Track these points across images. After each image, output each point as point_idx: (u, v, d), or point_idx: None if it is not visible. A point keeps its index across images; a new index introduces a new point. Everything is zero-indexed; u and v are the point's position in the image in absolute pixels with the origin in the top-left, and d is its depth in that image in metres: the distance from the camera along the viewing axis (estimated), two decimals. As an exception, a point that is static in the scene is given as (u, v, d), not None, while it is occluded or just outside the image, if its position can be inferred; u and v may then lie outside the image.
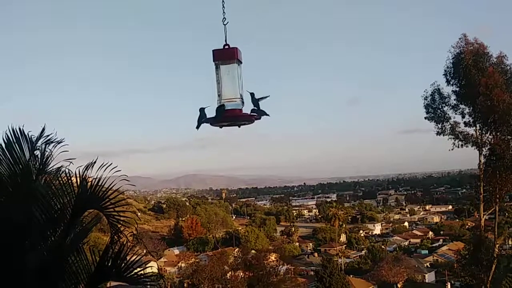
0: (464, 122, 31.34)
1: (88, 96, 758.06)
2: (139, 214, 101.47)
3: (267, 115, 3.10)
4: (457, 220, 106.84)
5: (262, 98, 3.09)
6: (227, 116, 3.02)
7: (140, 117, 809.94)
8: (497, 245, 32.61)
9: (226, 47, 3.02)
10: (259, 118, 3.08)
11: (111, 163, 4.72)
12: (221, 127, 3.05)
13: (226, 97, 3.04)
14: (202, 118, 3.00)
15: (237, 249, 58.86)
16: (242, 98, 3.07)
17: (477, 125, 31.06)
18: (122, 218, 4.82)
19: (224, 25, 3.03)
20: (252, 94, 3.08)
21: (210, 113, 3.01)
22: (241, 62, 3.07)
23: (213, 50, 3.04)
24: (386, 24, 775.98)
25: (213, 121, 3.00)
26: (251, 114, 3.06)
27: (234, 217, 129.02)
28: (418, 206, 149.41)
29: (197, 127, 3.01)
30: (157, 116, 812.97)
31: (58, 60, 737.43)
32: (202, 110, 3.00)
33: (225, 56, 3.04)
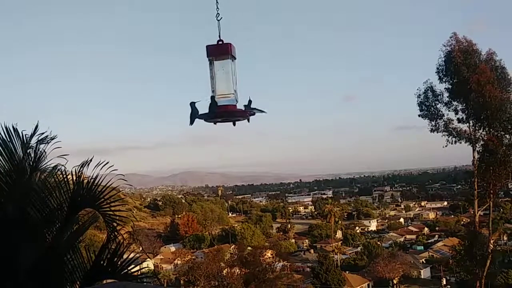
0: (458, 119, 31.68)
1: (85, 92, 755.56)
2: (135, 211, 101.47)
3: (264, 112, 3.10)
4: (452, 216, 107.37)
5: (257, 110, 3.09)
6: (221, 112, 3.01)
7: (136, 114, 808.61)
8: (491, 241, 32.88)
9: (220, 42, 3.03)
10: (254, 114, 3.08)
11: (107, 162, 4.71)
12: (215, 123, 3.04)
13: (220, 93, 3.04)
14: (195, 114, 2.99)
15: (233, 246, 59.06)
16: (236, 94, 3.06)
17: (470, 122, 31.33)
18: (118, 217, 4.81)
19: (218, 20, 3.02)
20: (249, 102, 3.08)
21: (202, 108, 3.01)
22: (235, 58, 3.06)
23: (207, 46, 3.03)
24: (385, 19, 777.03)
25: (207, 117, 2.99)
26: (246, 110, 3.05)
27: (230, 214, 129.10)
28: (414, 203, 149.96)
29: (191, 123, 3.00)
30: (153, 113, 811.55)
31: (52, 56, 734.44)
32: (193, 104, 2.99)
33: (219, 51, 3.03)
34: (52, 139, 4.88)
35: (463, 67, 29.57)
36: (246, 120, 3.08)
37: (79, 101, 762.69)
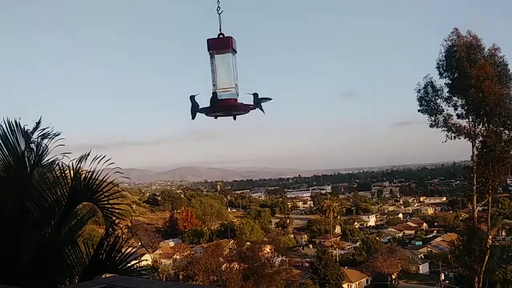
0: (457, 114, 31.60)
1: (84, 89, 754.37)
2: (133, 206, 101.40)
3: (263, 112, 3.07)
4: (451, 211, 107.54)
5: (265, 99, 3.07)
6: (222, 106, 2.99)
7: (135, 110, 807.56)
8: (490, 236, 32.89)
9: (221, 36, 3.00)
10: (254, 108, 3.06)
11: (105, 156, 4.68)
12: (216, 118, 3.02)
13: (221, 86, 3.02)
14: (195, 108, 2.97)
15: (232, 241, 59.00)
16: (237, 88, 3.05)
17: (470, 117, 31.27)
18: (116, 211, 4.79)
19: (219, 14, 3.00)
20: (255, 95, 3.06)
21: (202, 102, 3.00)
22: (236, 52, 3.04)
23: (207, 39, 3.01)
24: (383, 17, 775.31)
25: (208, 111, 2.98)
26: (246, 103, 3.04)
27: (229, 209, 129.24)
28: (413, 198, 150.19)
29: (193, 118, 2.98)
30: (153, 109, 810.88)
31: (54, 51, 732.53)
32: (192, 98, 2.98)
33: (220, 45, 3.01)
34: (56, 135, 4.85)
35: (466, 62, 29.47)
36: (246, 115, 3.07)
37: (78, 99, 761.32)
